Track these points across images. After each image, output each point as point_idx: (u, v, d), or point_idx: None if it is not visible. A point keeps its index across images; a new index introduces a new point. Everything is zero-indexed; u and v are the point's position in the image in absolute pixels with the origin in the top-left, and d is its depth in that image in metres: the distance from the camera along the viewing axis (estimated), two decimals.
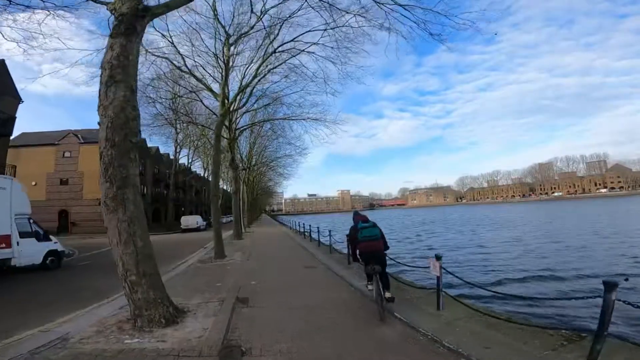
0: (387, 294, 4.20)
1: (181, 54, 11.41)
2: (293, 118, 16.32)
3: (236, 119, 17.93)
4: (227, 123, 17.14)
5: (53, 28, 7.08)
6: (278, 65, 12.71)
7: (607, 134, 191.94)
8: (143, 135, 31.52)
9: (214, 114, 16.49)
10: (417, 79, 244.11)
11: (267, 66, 12.59)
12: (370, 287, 4.59)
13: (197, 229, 29.74)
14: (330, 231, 11.31)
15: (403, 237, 23.54)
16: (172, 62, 11.37)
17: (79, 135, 27.55)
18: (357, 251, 4.54)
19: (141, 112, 4.73)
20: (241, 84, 13.71)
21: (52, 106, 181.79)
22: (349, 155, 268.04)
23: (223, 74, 11.94)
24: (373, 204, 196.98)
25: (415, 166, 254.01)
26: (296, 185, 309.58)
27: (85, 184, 26.60)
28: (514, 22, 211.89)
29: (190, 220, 31.05)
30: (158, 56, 11.02)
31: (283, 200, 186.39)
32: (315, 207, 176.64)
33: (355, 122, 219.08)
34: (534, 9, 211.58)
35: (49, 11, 6.15)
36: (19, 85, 15.11)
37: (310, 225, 15.98)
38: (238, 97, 14.11)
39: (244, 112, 18.04)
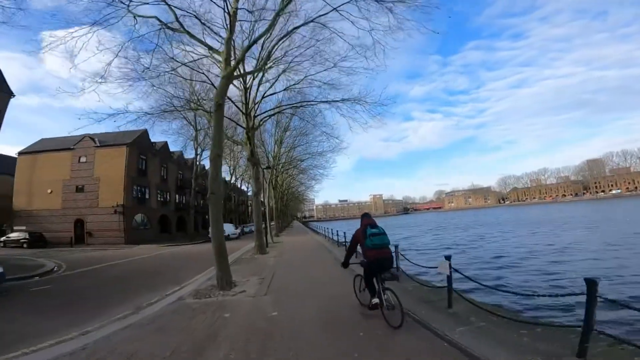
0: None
1: (169, 5, 7.84)
2: (325, 101, 12.36)
3: (254, 102, 13.98)
4: (243, 108, 13.39)
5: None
6: (303, 25, 9.16)
7: None
8: (161, 137, 29.05)
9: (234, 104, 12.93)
10: (445, 78, 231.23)
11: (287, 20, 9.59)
12: (375, 301, 3.96)
13: (227, 238, 26.77)
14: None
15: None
16: (159, 21, 7.82)
17: (96, 139, 25.66)
18: (365, 259, 4.05)
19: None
20: (251, 37, 9.87)
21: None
22: (379, 159, 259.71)
23: (227, 22, 8.17)
24: (407, 207, 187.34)
25: (450, 168, 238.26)
26: (327, 191, 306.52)
27: (101, 190, 24.42)
28: (541, 16, 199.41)
29: None
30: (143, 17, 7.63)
31: (314, 207, 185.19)
32: (347, 213, 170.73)
33: (383, 126, 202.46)
34: (562, 1, 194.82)
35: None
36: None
37: (344, 234, 12.05)
38: (254, 65, 10.35)
39: (264, 95, 14.10)
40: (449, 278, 4.18)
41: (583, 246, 13.96)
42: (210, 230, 5.94)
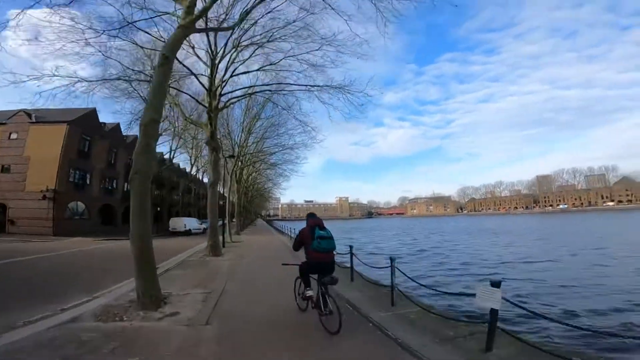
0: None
1: None
2: (307, 86, 11.29)
3: (222, 80, 12.22)
4: (207, 84, 11.63)
5: None
6: None
7: (608, 148, 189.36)
8: (114, 118, 24.93)
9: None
10: (418, 88, 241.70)
11: None
12: (309, 292, 4.01)
13: (187, 233, 24.87)
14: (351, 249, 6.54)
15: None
16: None
17: (32, 115, 21.73)
18: (307, 260, 3.97)
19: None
20: None
21: None
22: (348, 162, 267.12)
23: None
24: (371, 212, 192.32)
25: (414, 176, 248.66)
26: (294, 190, 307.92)
27: (30, 172, 20.64)
28: (517, 33, 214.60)
29: (178, 223, 25.83)
30: None
31: (280, 205, 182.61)
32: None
33: (354, 129, 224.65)
34: (539, 19, 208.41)
35: None
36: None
37: None
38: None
39: (234, 73, 12.40)
40: (494, 314, 2.98)
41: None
42: (130, 223, 4.34)
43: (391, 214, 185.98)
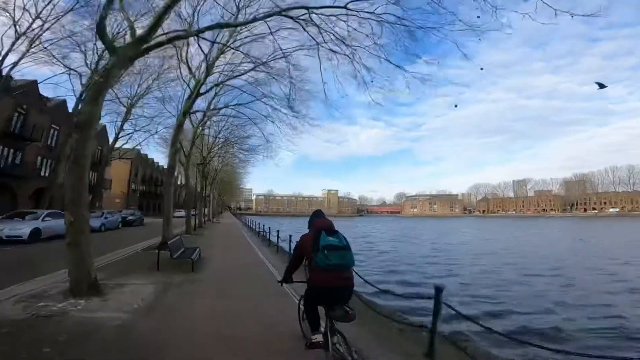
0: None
1: None
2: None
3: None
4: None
5: None
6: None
7: (559, 159, 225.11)
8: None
9: None
10: (393, 88, 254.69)
11: None
12: (316, 337, 3.21)
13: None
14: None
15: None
16: None
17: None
18: (311, 283, 3.13)
19: None
20: None
21: None
22: (319, 160, 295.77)
23: None
24: (362, 209, 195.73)
25: (381, 176, 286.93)
26: (266, 183, 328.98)
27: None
28: (493, 39, 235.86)
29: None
30: None
31: (254, 197, 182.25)
32: (295, 208, 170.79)
33: (327, 128, 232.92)
34: (515, 27, 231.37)
35: None
36: None
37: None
38: None
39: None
40: None
41: None
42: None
43: (384, 212, 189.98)
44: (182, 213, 27.50)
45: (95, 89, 5.47)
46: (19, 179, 22.46)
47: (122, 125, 26.08)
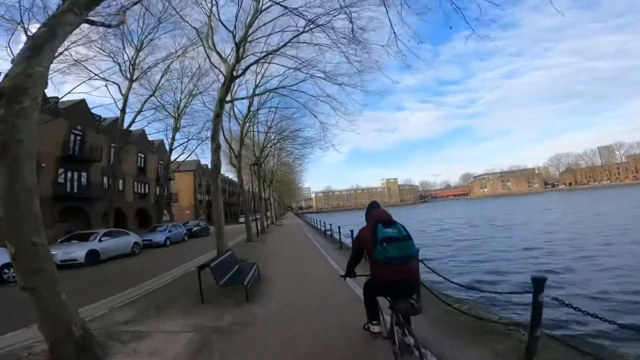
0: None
1: None
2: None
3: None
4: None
5: None
6: None
7: None
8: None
9: None
10: (437, 68, 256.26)
11: None
12: (376, 329, 3.43)
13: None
14: None
15: None
16: None
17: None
18: (372, 278, 3.09)
19: None
20: None
21: None
22: (372, 150, 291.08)
23: None
24: (425, 195, 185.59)
25: (439, 159, 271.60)
26: (322, 181, 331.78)
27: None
28: (533, 6, 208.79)
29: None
30: None
31: (313, 195, 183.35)
32: (355, 202, 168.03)
33: (375, 117, 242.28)
34: None
35: None
36: None
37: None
38: None
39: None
40: None
41: None
42: None
43: (449, 196, 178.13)
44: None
45: (35, 43, 3.31)
46: (88, 200, 23.04)
47: (173, 136, 25.61)
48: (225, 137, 19.03)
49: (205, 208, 51.48)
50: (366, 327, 3.59)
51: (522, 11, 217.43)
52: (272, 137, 25.16)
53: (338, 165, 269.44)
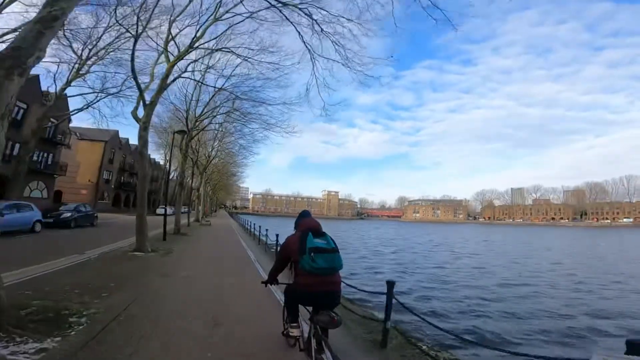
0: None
1: None
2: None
3: None
4: None
5: None
6: None
7: (558, 168, 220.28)
8: None
9: None
10: (393, 92, 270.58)
11: None
12: (294, 332, 3.30)
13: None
14: None
15: None
16: None
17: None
18: (294, 285, 3.03)
19: None
20: None
21: None
22: (318, 161, 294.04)
23: None
24: (363, 212, 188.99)
25: (379, 180, 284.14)
26: (260, 183, 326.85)
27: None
28: (495, 46, 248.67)
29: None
30: None
31: (251, 196, 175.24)
32: (294, 209, 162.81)
33: (325, 129, 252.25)
34: (518, 34, 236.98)
35: None
36: None
37: None
38: None
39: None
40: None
41: None
42: None
43: (384, 216, 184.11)
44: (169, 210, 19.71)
45: None
46: None
47: (69, 80, 17.79)
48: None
49: (113, 190, 41.52)
50: (284, 332, 3.57)
51: (483, 49, 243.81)
52: (218, 103, 18.99)
53: (281, 170, 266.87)
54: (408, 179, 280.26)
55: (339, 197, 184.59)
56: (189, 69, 14.50)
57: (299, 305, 3.23)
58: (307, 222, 3.10)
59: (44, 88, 24.08)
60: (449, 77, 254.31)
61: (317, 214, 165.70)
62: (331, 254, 2.82)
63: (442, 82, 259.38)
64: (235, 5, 11.08)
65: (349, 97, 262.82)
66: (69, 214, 17.60)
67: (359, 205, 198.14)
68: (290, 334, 3.33)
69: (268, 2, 9.16)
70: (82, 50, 18.02)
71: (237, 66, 15.91)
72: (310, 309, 2.99)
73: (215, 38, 13.34)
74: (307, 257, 2.76)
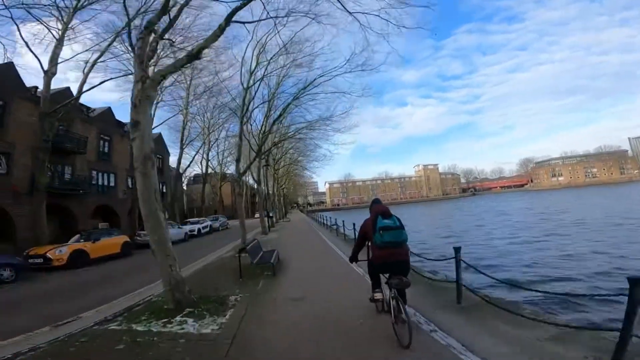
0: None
1: None
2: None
3: None
4: None
5: None
6: None
7: None
8: None
9: None
10: (439, 63, 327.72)
11: None
12: (377, 295, 5.72)
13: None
14: None
15: None
16: None
17: None
18: (372, 259, 5.43)
19: None
20: None
21: None
22: (377, 148, 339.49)
23: None
24: (474, 187, 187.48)
25: (444, 154, 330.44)
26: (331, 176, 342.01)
27: None
28: None
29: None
30: None
31: (326, 187, 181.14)
32: (382, 193, 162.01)
33: (378, 114, 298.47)
34: None
35: None
36: None
37: None
38: None
39: None
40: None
41: None
42: None
43: (501, 188, 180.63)
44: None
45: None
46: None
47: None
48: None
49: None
50: (371, 298, 5.97)
51: (524, 3, 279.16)
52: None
53: (343, 161, 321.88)
54: (477, 148, 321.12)
55: (440, 171, 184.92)
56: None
57: (379, 274, 5.50)
58: (378, 207, 5.24)
59: None
60: (495, 38, 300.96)
61: (414, 196, 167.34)
62: (396, 230, 4.86)
63: (490, 44, 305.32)
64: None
65: (393, 77, 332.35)
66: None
67: (463, 180, 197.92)
68: (375, 297, 5.74)
69: None
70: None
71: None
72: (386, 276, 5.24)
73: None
74: (377, 234, 4.85)
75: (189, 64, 7.44)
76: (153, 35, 8.11)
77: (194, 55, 7.65)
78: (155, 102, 33.76)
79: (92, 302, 8.99)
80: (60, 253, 16.51)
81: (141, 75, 7.35)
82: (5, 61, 22.35)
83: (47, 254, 16.28)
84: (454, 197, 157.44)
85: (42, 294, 11.34)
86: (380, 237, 4.84)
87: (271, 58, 21.96)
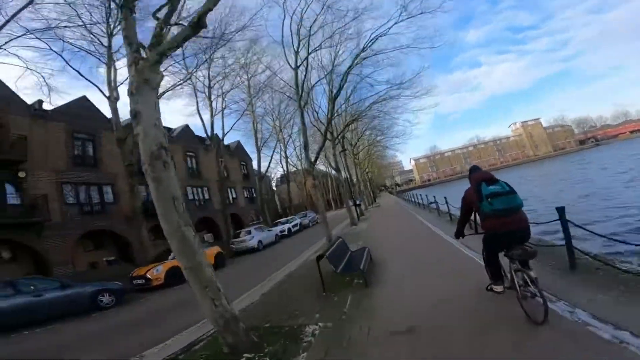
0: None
1: None
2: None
3: None
4: None
5: None
6: None
7: None
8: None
9: None
10: (502, 17, 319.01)
11: None
12: (498, 288, 5.08)
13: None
14: None
15: None
16: None
17: None
18: (485, 233, 4.84)
19: None
20: None
21: None
22: (457, 112, 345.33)
23: None
24: (594, 137, 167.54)
25: (540, 112, 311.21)
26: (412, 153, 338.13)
27: None
28: None
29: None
30: None
31: (412, 164, 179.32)
32: (478, 160, 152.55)
33: (449, 80, 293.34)
34: None
35: None
36: None
37: None
38: None
39: None
40: None
41: None
42: None
43: (626, 134, 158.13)
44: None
45: None
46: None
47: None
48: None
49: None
50: (489, 288, 5.28)
51: None
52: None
53: (424, 136, 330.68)
54: (585, 94, 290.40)
55: (545, 125, 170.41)
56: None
57: (497, 254, 4.96)
58: (479, 175, 4.87)
59: None
60: None
61: (518, 158, 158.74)
62: (508, 195, 4.43)
63: None
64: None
65: (455, 41, 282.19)
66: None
67: (576, 130, 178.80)
68: (495, 290, 5.12)
69: None
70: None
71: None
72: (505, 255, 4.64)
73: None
74: (485, 203, 4.51)
75: (194, 36, 6.35)
76: (157, 20, 7.30)
77: (197, 24, 6.34)
78: (221, 109, 35.98)
79: (160, 335, 8.58)
80: (157, 272, 17.48)
81: (133, 57, 6.46)
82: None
83: (147, 274, 17.42)
84: (571, 152, 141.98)
85: (129, 321, 11.54)
86: (489, 205, 4.46)
87: (310, 27, 20.94)
